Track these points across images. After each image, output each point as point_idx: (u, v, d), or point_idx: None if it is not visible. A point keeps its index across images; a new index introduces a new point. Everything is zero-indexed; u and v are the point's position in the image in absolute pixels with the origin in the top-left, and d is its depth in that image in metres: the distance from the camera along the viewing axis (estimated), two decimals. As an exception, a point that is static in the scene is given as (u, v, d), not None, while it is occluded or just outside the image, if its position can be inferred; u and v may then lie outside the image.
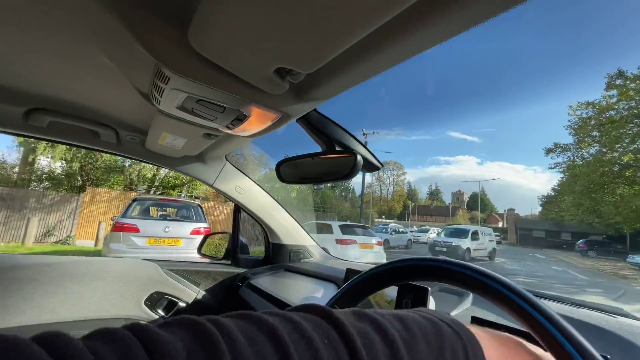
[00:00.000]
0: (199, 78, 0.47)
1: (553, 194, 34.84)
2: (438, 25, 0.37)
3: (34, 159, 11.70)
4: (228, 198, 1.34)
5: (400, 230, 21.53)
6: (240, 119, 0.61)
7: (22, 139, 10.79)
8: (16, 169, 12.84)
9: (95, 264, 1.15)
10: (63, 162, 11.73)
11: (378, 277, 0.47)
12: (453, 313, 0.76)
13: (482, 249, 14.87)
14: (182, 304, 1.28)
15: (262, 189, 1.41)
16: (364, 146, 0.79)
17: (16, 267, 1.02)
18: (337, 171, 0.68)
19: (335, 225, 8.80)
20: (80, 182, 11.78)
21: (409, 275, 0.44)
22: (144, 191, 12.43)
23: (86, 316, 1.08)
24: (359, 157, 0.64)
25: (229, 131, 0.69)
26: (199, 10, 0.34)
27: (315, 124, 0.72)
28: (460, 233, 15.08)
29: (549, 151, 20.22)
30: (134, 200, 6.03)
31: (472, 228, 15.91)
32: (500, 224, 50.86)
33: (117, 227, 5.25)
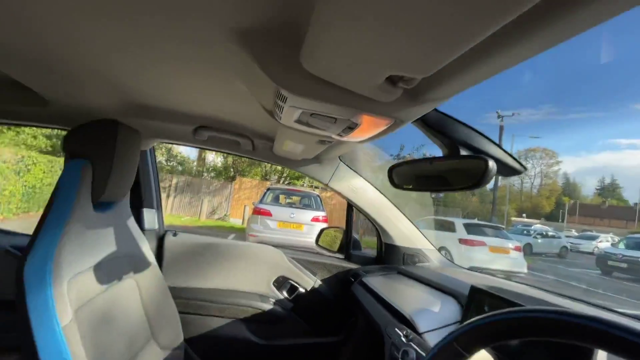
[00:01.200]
0: (312, 96, 0.48)
1: None
2: (575, 16, 0.26)
3: (204, 155, 15.66)
4: (342, 197, 1.39)
5: (550, 234, 17.09)
6: (352, 127, 0.60)
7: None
8: (195, 163, 17.53)
9: (238, 247, 1.42)
10: (222, 157, 15.19)
11: (516, 324, 0.37)
12: None
13: (697, 273, 10.08)
14: (302, 290, 1.42)
15: (376, 189, 1.39)
16: (500, 147, 0.64)
17: (192, 245, 1.39)
18: (462, 179, 0.58)
19: (459, 222, 7.85)
20: (232, 173, 14.95)
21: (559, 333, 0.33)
22: (275, 181, 14.62)
23: (234, 287, 1.36)
24: (490, 162, 0.52)
25: (340, 138, 0.69)
26: (308, 33, 0.34)
27: (434, 125, 0.63)
28: (655, 246, 10.64)
29: None
30: (268, 189, 7.18)
31: (678, 240, 10.98)
32: None
33: (256, 211, 6.40)
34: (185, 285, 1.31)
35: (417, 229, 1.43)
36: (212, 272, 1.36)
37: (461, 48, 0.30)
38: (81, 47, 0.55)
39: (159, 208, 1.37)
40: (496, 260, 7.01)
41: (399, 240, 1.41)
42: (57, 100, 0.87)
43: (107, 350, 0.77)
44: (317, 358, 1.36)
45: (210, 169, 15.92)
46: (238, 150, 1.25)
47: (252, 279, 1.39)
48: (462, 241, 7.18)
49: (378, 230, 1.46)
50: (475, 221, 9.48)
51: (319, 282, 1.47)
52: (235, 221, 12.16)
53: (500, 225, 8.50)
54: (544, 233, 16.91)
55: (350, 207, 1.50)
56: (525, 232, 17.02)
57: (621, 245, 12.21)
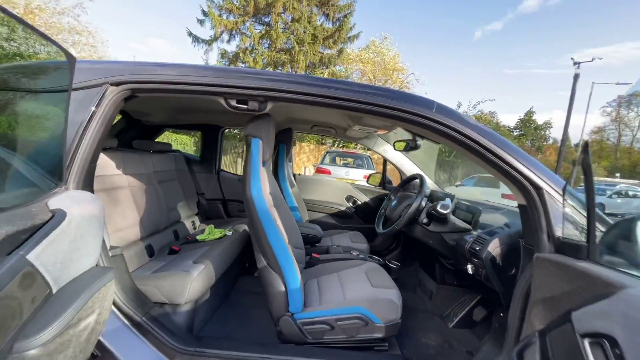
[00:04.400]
0: (363, 124, 1.76)
1: None
2: None
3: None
4: (378, 154, 2.66)
5: (631, 193, 15.62)
6: (377, 131, 1.87)
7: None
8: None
9: (328, 181, 2.85)
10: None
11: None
12: None
13: None
14: (359, 202, 2.82)
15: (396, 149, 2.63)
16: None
17: (305, 179, 2.84)
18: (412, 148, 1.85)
19: (505, 179, 8.36)
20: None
21: None
22: (330, 144, 16.01)
23: (327, 199, 2.81)
24: (419, 142, 1.78)
25: (374, 132, 1.97)
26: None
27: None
28: None
29: None
30: (327, 152, 8.62)
31: None
32: None
33: (318, 170, 7.93)
34: (306, 197, 2.79)
35: (421, 171, 2.65)
36: (317, 191, 2.82)
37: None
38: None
39: (291, 160, 2.84)
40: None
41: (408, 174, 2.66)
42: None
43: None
44: (366, 233, 2.75)
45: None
46: (328, 133, 2.59)
47: (335, 196, 2.82)
48: (504, 196, 7.80)
49: (399, 171, 2.72)
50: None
51: (368, 199, 2.84)
52: (298, 181, 14.12)
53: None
54: (623, 192, 15.51)
55: (385, 160, 2.78)
56: (600, 191, 15.81)
57: None
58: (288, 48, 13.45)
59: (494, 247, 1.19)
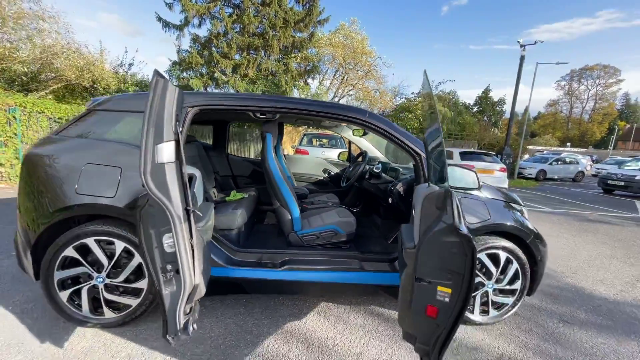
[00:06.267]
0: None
1: None
2: None
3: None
4: (344, 138, 3.70)
5: (568, 160, 18.02)
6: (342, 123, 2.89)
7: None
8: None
9: (308, 157, 3.87)
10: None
11: None
12: None
13: None
14: (332, 173, 3.88)
15: (353, 134, 3.67)
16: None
17: (293, 157, 3.84)
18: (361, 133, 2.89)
19: (457, 152, 9.81)
20: (269, 122, 17.29)
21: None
22: (307, 126, 16.86)
23: (308, 172, 3.85)
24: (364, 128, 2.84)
25: (340, 124, 2.99)
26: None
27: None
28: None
29: None
30: (304, 134, 9.58)
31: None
32: None
33: (297, 151, 8.90)
34: (293, 171, 3.80)
35: (373, 147, 3.74)
36: (300, 166, 3.83)
37: None
38: None
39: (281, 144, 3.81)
40: (481, 179, 9.08)
41: (369, 152, 3.75)
42: None
43: None
44: (337, 194, 3.82)
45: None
46: (307, 123, 3.56)
47: (314, 169, 3.86)
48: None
49: (359, 148, 3.79)
50: (471, 150, 11.24)
51: (338, 170, 3.91)
52: (277, 162, 14.95)
53: (491, 153, 10.19)
54: (563, 160, 17.80)
55: (349, 142, 3.83)
56: (543, 159, 18.01)
57: (634, 166, 12.98)
58: (261, 32, 13.76)
59: (399, 187, 2.30)
